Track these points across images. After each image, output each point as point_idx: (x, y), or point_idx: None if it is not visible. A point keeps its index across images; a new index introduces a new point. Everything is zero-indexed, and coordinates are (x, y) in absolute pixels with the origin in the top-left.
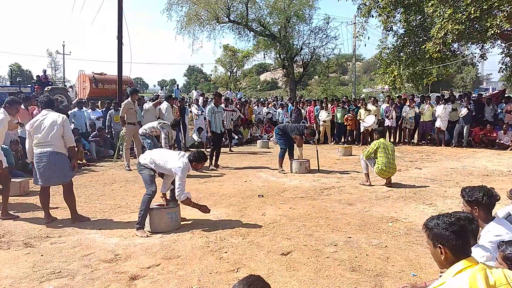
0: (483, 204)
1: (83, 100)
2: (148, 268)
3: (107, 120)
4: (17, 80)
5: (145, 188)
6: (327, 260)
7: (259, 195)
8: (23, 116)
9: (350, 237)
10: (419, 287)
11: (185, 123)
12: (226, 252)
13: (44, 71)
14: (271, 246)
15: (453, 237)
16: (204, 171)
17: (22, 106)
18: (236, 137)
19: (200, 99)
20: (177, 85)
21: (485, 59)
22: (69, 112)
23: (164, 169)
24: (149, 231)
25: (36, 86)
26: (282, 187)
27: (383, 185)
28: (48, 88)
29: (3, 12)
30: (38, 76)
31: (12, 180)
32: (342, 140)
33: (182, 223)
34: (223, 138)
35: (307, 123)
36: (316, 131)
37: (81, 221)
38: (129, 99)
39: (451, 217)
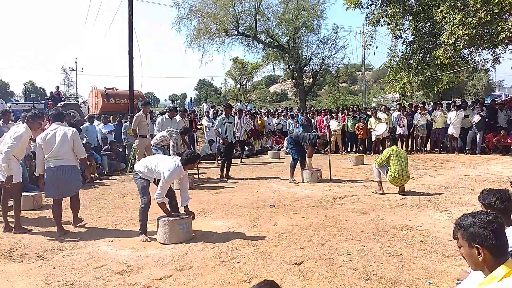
0: (497, 209)
1: (94, 115)
2: (160, 279)
3: (122, 133)
4: (31, 96)
5: (140, 199)
6: (341, 269)
7: (270, 205)
8: (36, 131)
9: (364, 246)
10: None
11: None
12: (238, 263)
13: (57, 88)
14: (284, 256)
15: (492, 237)
16: (214, 182)
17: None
18: (247, 148)
19: (211, 112)
20: (191, 98)
21: (499, 63)
22: (81, 127)
23: (155, 172)
24: (161, 243)
25: (49, 102)
26: (294, 197)
27: (396, 193)
28: (61, 104)
29: (19, 31)
30: (51, 92)
31: (25, 194)
32: (354, 149)
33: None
34: (234, 149)
35: (317, 132)
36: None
37: (79, 223)
38: (141, 112)
39: (488, 215)
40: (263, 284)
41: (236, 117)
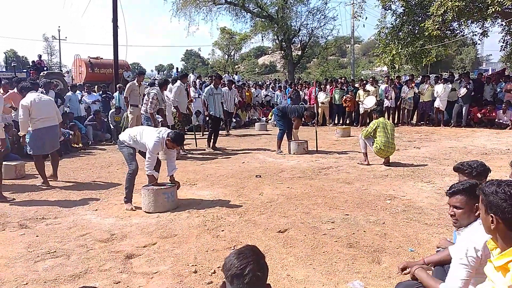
0: (470, 176)
1: (78, 84)
2: (144, 247)
3: (116, 102)
4: (12, 65)
5: (127, 166)
6: (324, 237)
7: (256, 176)
8: (16, 100)
9: (348, 215)
10: (419, 263)
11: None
12: (223, 231)
13: (40, 56)
14: (268, 224)
15: (510, 210)
16: (200, 153)
17: (15, 90)
18: (234, 120)
19: (197, 82)
20: (177, 68)
21: (487, 36)
22: (64, 96)
23: (139, 143)
24: (146, 211)
25: (31, 71)
26: (280, 167)
27: (381, 164)
28: (43, 73)
29: None
30: (33, 61)
31: (7, 163)
32: (341, 121)
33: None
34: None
35: (306, 104)
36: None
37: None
38: (135, 80)
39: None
40: (244, 248)
41: (226, 88)
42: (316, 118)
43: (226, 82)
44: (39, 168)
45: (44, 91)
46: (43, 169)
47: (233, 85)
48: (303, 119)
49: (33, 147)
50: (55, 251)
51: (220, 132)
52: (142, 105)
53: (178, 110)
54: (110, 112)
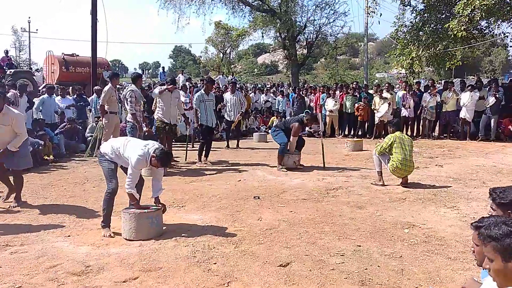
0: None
1: (54, 86)
2: (124, 282)
3: (93, 108)
4: None
5: (106, 183)
6: (332, 272)
7: (254, 197)
8: None
9: (360, 246)
10: None
11: None
12: (215, 263)
13: (6, 52)
14: (268, 256)
15: None
16: (189, 168)
17: None
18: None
19: (187, 85)
20: (163, 67)
21: None
22: (35, 100)
23: (122, 158)
24: (126, 239)
25: None
26: (282, 187)
27: (398, 185)
28: (11, 72)
29: None
30: None
31: None
32: (352, 133)
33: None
34: (215, 131)
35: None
36: (321, 120)
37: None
38: (110, 85)
39: None
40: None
41: (228, 92)
42: (324, 129)
43: (228, 86)
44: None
45: (19, 95)
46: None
47: (237, 88)
48: (303, 125)
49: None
50: (21, 286)
51: (219, 145)
52: (121, 113)
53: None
54: (89, 126)
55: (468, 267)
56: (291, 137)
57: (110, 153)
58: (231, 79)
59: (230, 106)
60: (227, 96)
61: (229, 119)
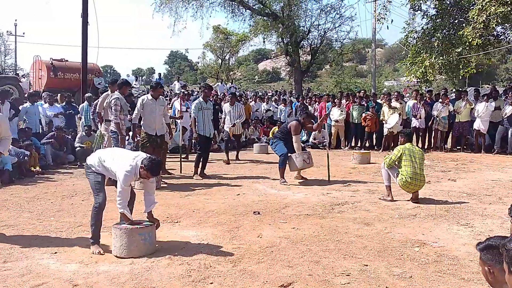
0: None
1: (37, 92)
2: None
3: (83, 117)
4: None
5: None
6: None
7: (254, 212)
8: None
9: (367, 265)
10: None
11: None
12: (211, 283)
13: None
14: (268, 275)
15: None
16: (185, 181)
17: None
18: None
19: (177, 91)
20: (159, 74)
21: None
22: (20, 107)
23: (109, 171)
24: (116, 256)
25: None
26: (284, 202)
27: (408, 200)
28: None
29: None
30: None
31: None
32: (359, 144)
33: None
34: (212, 142)
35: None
36: (326, 133)
37: None
38: (109, 92)
39: None
40: None
41: (227, 104)
42: (329, 140)
43: (226, 95)
44: None
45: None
46: None
47: (236, 99)
48: (301, 124)
49: None
50: None
51: (217, 156)
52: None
53: (136, 128)
54: (79, 135)
55: None
56: (293, 136)
57: (97, 165)
58: (230, 87)
59: (230, 119)
60: (226, 107)
61: (234, 133)
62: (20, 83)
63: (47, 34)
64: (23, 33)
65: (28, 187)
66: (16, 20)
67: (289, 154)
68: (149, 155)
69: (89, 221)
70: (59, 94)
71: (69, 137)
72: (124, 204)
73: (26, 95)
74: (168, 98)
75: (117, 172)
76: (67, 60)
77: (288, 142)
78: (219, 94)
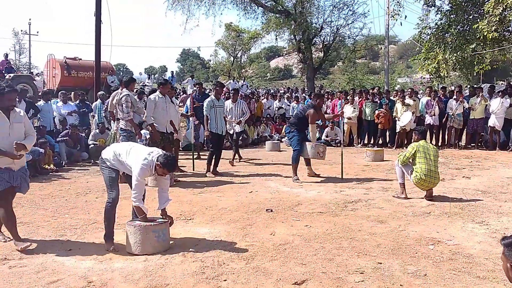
0: None
1: (51, 91)
2: None
3: (96, 115)
4: None
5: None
6: None
7: (267, 210)
8: None
9: (381, 263)
10: None
11: None
12: (225, 280)
13: (6, 55)
14: (281, 273)
15: None
16: (198, 178)
17: None
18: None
19: (190, 90)
20: (172, 72)
21: None
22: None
23: (124, 165)
24: (130, 253)
25: None
26: (296, 199)
27: (422, 198)
28: (10, 76)
29: None
30: None
31: None
32: (372, 142)
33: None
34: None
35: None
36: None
37: None
38: (120, 89)
39: None
40: None
41: (229, 101)
42: (342, 137)
43: (229, 93)
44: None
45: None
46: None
47: (239, 96)
48: (319, 108)
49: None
50: None
51: (230, 154)
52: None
53: (154, 128)
54: (92, 133)
55: (498, 286)
56: (310, 125)
57: (112, 159)
58: (242, 84)
59: (230, 117)
60: (228, 104)
61: (229, 132)
62: (34, 82)
63: (61, 33)
64: (37, 32)
65: (42, 185)
66: (30, 19)
67: (305, 142)
68: (164, 152)
69: (103, 218)
70: (72, 92)
71: (83, 135)
72: (140, 197)
73: (40, 94)
74: (179, 95)
75: (133, 165)
76: (80, 59)
77: (302, 131)
78: (230, 91)
